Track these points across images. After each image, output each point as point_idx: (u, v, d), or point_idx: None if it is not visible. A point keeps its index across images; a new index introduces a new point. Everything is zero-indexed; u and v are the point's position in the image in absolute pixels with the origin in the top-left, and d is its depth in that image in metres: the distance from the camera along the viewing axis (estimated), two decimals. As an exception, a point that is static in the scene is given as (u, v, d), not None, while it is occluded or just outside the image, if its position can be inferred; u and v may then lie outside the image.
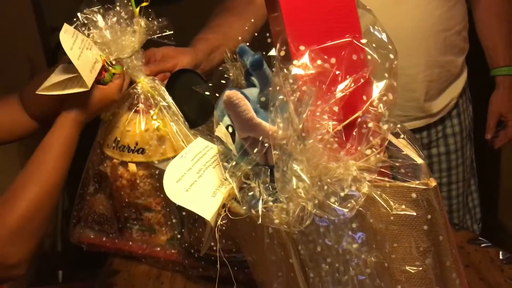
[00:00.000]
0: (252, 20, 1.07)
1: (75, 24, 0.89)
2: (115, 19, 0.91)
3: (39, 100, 0.87)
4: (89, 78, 0.81)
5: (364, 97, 0.59)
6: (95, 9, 0.90)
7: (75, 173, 1.26)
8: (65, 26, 0.85)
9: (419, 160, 0.59)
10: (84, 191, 1.07)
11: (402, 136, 0.63)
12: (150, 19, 0.92)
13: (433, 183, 0.57)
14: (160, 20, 0.92)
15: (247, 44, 0.73)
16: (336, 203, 0.57)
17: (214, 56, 1.09)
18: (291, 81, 0.59)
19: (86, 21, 0.90)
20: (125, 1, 0.91)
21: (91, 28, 0.91)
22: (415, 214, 0.58)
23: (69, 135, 0.83)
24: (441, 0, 1.14)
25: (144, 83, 0.99)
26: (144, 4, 0.89)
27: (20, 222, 0.76)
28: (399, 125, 0.62)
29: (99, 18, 0.91)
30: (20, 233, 0.76)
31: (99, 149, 1.04)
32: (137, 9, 0.91)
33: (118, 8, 0.91)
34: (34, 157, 0.81)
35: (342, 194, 0.57)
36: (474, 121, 1.34)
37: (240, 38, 0.99)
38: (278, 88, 0.58)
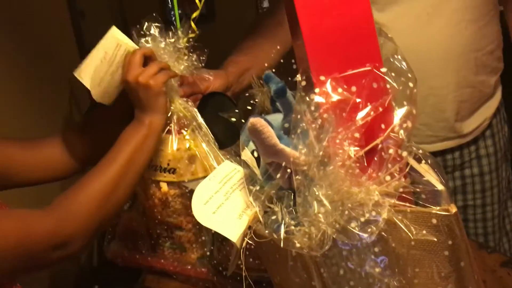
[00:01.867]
0: (281, 43, 1.09)
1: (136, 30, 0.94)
2: (169, 40, 0.95)
3: (85, 142, 0.94)
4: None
5: (384, 125, 0.60)
6: (158, 24, 0.95)
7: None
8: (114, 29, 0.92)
9: (440, 186, 0.60)
10: (120, 210, 1.12)
11: (424, 161, 0.64)
12: (195, 53, 0.97)
13: (453, 209, 0.58)
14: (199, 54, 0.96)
15: (273, 70, 0.76)
16: (357, 228, 0.58)
17: (244, 78, 1.12)
18: (312, 108, 0.61)
19: (146, 32, 0.95)
20: (182, 32, 0.95)
21: (148, 39, 0.95)
22: (435, 239, 0.59)
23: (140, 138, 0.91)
24: (471, 21, 1.13)
25: (177, 104, 1.03)
26: (192, 35, 0.94)
27: (96, 201, 0.83)
28: (421, 151, 0.63)
29: (157, 33, 0.95)
30: (95, 212, 0.82)
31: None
32: (185, 40, 0.95)
33: (179, 33, 0.96)
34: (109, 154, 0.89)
35: (362, 219, 0.58)
36: (511, 141, 1.32)
37: (269, 61, 1.02)
38: (299, 115, 0.60)
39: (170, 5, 2.23)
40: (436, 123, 1.18)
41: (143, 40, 0.95)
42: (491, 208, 1.28)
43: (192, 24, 0.94)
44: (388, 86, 0.61)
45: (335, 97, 0.61)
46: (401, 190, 0.61)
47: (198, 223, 1.05)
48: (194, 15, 0.94)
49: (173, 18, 0.98)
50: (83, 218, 0.82)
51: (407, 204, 0.61)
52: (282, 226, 0.60)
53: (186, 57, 0.96)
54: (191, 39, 0.95)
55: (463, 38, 1.13)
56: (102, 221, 0.86)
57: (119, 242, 1.14)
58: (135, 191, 1.09)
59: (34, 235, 0.76)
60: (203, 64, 0.98)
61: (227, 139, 0.98)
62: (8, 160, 0.99)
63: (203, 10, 0.97)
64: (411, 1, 1.10)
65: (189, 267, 1.08)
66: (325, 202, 0.59)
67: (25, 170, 1.00)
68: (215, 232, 1.02)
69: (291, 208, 0.64)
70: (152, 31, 0.95)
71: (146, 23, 0.95)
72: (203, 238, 1.06)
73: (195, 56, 0.98)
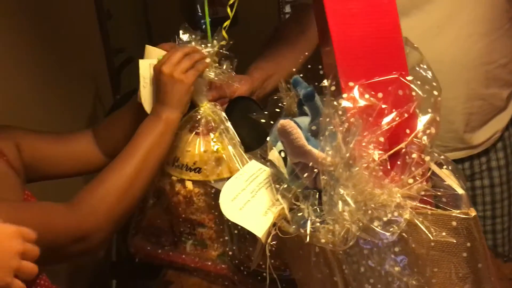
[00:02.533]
0: (303, 51, 1.13)
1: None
2: (201, 48, 0.99)
3: (114, 137, 0.97)
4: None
5: (408, 130, 0.63)
6: (194, 36, 1.00)
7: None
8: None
9: (460, 191, 0.63)
10: (144, 204, 1.15)
11: (445, 166, 0.67)
12: (225, 62, 1.00)
13: (473, 212, 0.61)
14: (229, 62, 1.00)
15: (300, 75, 0.80)
16: (379, 227, 0.61)
17: (267, 84, 1.16)
18: (340, 112, 0.64)
19: (180, 40, 1.00)
20: (214, 40, 0.99)
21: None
22: (455, 241, 0.61)
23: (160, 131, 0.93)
24: (483, 34, 1.13)
25: (206, 108, 1.07)
26: (223, 42, 0.97)
27: (116, 195, 0.85)
28: (442, 156, 0.66)
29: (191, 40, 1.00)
30: (115, 206, 0.85)
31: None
32: (216, 49, 0.98)
33: (211, 42, 1.00)
34: (129, 146, 0.92)
35: (385, 218, 0.61)
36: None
37: (291, 68, 1.06)
38: (328, 119, 0.63)
39: (199, 13, 2.27)
40: (445, 134, 1.18)
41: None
42: (501, 220, 1.28)
43: (224, 33, 0.97)
44: (413, 93, 0.64)
45: (362, 103, 0.64)
46: (422, 193, 0.64)
47: (220, 222, 1.10)
48: (226, 24, 0.97)
49: (204, 27, 1.01)
50: (103, 213, 0.85)
51: (428, 207, 0.63)
52: (309, 223, 0.63)
53: (216, 64, 1.00)
54: (222, 47, 0.98)
55: (474, 51, 1.13)
56: (121, 215, 0.88)
57: (142, 237, 1.18)
58: (161, 188, 1.13)
59: (56, 228, 0.79)
60: (234, 73, 1.01)
61: (253, 142, 1.02)
62: (40, 153, 1.03)
63: (224, 13, 1.01)
64: (422, 13, 1.11)
65: (209, 263, 1.11)
66: (350, 201, 0.62)
67: (56, 163, 1.04)
68: (237, 231, 1.07)
69: (315, 207, 0.68)
70: (186, 39, 0.99)
71: (181, 31, 0.99)
72: (225, 238, 1.09)
73: (225, 64, 1.01)
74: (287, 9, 2.47)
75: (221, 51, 0.99)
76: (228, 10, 0.96)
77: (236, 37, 1.03)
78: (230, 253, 1.07)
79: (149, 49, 0.98)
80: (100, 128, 1.09)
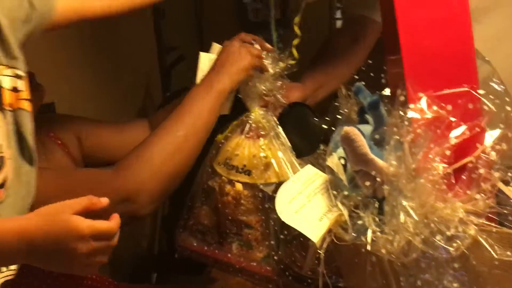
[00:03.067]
0: (355, 62, 1.13)
1: None
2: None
3: None
4: None
5: (477, 145, 0.62)
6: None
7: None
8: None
9: (528, 210, 0.61)
10: (193, 201, 1.17)
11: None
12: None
13: (541, 233, 0.59)
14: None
15: (363, 82, 0.79)
16: (442, 241, 0.60)
17: (319, 93, 1.17)
18: (406, 123, 0.64)
19: None
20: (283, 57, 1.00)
21: None
22: (520, 261, 0.60)
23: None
24: None
25: (257, 114, 1.08)
26: (292, 62, 0.98)
27: (161, 157, 0.86)
28: (510, 173, 0.64)
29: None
30: (159, 168, 0.86)
31: (210, 167, 1.14)
32: (284, 66, 0.99)
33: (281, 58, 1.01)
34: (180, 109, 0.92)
35: (448, 233, 0.60)
36: None
37: (343, 78, 1.06)
38: (394, 128, 0.63)
39: (250, 18, 2.28)
40: None
41: None
42: None
43: (294, 51, 0.98)
44: (484, 107, 0.62)
45: (430, 114, 0.63)
46: (487, 210, 0.62)
47: (266, 224, 1.11)
48: (296, 42, 0.98)
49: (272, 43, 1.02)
50: (145, 172, 0.85)
51: (493, 224, 0.62)
52: (369, 232, 0.62)
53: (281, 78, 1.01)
54: (289, 65, 0.99)
55: None
56: (167, 179, 0.89)
57: (189, 233, 1.19)
58: (210, 187, 1.14)
59: (102, 190, 0.79)
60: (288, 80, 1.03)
61: (306, 149, 1.02)
62: (99, 141, 1.07)
63: (278, 15, 1.01)
64: (480, 25, 1.09)
65: (254, 264, 1.12)
66: (412, 213, 0.61)
67: (113, 150, 1.07)
68: (282, 236, 1.07)
69: (374, 216, 0.67)
70: None
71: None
72: (272, 242, 1.09)
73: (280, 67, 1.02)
74: (338, 14, 2.46)
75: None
76: (296, 28, 0.97)
77: (286, 42, 1.04)
78: (276, 257, 1.08)
79: (215, 46, 1.00)
80: (156, 117, 1.12)
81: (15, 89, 0.70)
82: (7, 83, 0.68)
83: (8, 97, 0.68)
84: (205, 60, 0.99)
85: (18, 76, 0.71)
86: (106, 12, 0.90)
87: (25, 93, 0.72)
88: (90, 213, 0.58)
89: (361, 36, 1.19)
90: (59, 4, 0.81)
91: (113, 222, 0.59)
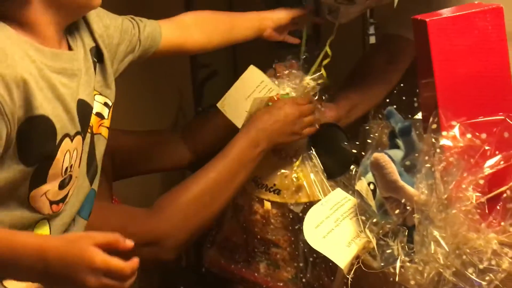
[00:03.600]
0: (389, 82, 1.12)
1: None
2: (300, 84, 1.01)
3: (203, 136, 1.01)
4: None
5: (513, 175, 0.60)
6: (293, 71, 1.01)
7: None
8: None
9: None
10: (222, 219, 1.18)
11: (549, 216, 0.63)
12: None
13: None
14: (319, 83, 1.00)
15: (394, 106, 0.78)
16: (474, 274, 0.58)
17: (352, 113, 1.16)
18: (438, 150, 0.63)
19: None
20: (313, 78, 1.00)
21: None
22: (556, 298, 0.57)
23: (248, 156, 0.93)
24: None
25: None
26: (321, 81, 0.98)
27: (196, 207, 0.86)
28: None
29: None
30: (192, 217, 0.86)
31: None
32: (314, 86, 0.99)
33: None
34: (214, 164, 0.92)
35: (480, 266, 0.59)
36: None
37: (377, 99, 1.05)
38: (426, 156, 0.62)
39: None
40: None
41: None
42: None
43: (323, 72, 0.98)
44: (521, 137, 0.61)
45: (462, 142, 0.62)
46: (523, 242, 0.60)
47: (294, 244, 1.10)
48: (326, 62, 0.98)
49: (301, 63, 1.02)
50: (178, 221, 0.86)
51: (528, 258, 0.60)
52: (398, 261, 0.61)
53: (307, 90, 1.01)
54: (318, 85, 0.99)
55: None
56: (197, 227, 0.89)
57: (217, 250, 1.20)
58: (239, 204, 1.15)
59: (132, 229, 0.80)
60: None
61: (337, 170, 1.01)
62: (130, 150, 1.08)
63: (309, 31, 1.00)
64: None
65: (281, 284, 1.11)
66: (443, 243, 0.60)
67: (146, 159, 1.09)
68: (311, 259, 1.06)
69: (403, 244, 0.66)
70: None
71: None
72: (300, 264, 1.08)
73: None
74: (371, 30, 2.44)
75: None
76: (327, 48, 0.97)
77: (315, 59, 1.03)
78: (304, 279, 1.07)
79: (253, 69, 0.99)
80: (191, 125, 1.14)
81: (100, 115, 0.74)
82: (96, 108, 0.72)
83: (93, 122, 0.72)
84: (253, 75, 0.99)
85: (106, 105, 0.75)
86: (204, 48, 0.95)
87: (107, 121, 0.76)
88: (112, 251, 0.57)
89: (397, 56, 1.18)
90: (164, 39, 0.85)
91: (130, 264, 0.56)
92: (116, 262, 0.56)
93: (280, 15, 1.01)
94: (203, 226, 0.93)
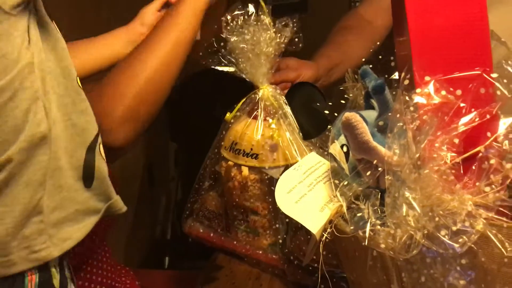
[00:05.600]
0: (370, 41, 1.08)
1: None
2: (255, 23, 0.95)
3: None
4: None
5: (489, 133, 0.57)
6: (239, 12, 0.95)
7: (191, 167, 1.35)
8: None
9: (543, 204, 0.56)
10: (200, 186, 1.15)
11: (526, 175, 0.60)
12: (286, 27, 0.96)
13: (556, 230, 0.54)
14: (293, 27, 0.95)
15: (370, 65, 0.75)
16: (446, 236, 0.56)
17: (333, 73, 1.12)
18: (412, 109, 0.59)
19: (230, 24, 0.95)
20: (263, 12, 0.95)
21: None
22: (532, 260, 0.55)
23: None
24: None
25: (266, 91, 1.03)
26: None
27: (119, 75, 0.79)
28: (524, 164, 0.59)
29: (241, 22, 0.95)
30: (116, 87, 0.79)
31: (217, 148, 1.11)
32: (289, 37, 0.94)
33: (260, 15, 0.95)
34: (156, 30, 0.85)
35: (454, 228, 0.56)
36: None
37: (358, 58, 1.01)
38: (398, 114, 0.58)
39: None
40: None
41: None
42: None
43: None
44: (497, 92, 0.57)
45: (437, 99, 0.58)
46: (498, 203, 0.58)
47: (274, 211, 1.08)
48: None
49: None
50: (109, 95, 0.79)
51: (504, 219, 0.57)
52: (368, 224, 0.59)
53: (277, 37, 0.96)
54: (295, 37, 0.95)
55: None
56: (133, 98, 0.80)
57: (196, 218, 1.18)
58: (217, 171, 1.12)
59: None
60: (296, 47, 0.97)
61: (313, 130, 0.98)
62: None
63: None
64: (508, 7, 1.02)
65: (260, 252, 1.09)
66: (415, 205, 0.57)
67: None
68: (289, 221, 1.04)
69: (376, 208, 0.63)
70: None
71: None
72: (277, 225, 1.07)
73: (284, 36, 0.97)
74: (359, -4, 2.39)
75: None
76: None
77: (304, 24, 0.99)
78: (281, 241, 1.05)
79: None
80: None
81: None
82: None
83: None
84: None
85: None
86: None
87: None
88: None
89: (377, 14, 1.14)
90: None
91: None
92: None
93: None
94: (142, 96, 0.82)
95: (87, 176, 0.65)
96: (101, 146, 0.68)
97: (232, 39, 0.95)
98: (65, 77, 0.63)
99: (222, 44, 1.01)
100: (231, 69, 1.02)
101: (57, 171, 0.61)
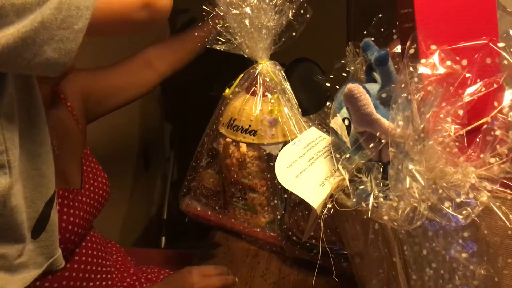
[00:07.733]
0: None
1: None
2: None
3: (171, 57, 1.03)
4: None
5: (495, 103, 0.56)
6: None
7: (187, 147, 1.33)
8: None
9: (548, 176, 0.55)
10: (197, 164, 1.14)
11: (531, 148, 0.59)
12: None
13: (561, 201, 0.53)
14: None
15: (372, 38, 0.73)
16: (450, 208, 0.55)
17: None
18: (416, 79, 0.58)
19: None
20: None
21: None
22: (536, 231, 0.55)
23: None
24: None
25: (265, 65, 1.02)
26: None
27: None
28: (529, 136, 0.58)
29: None
30: None
31: (215, 125, 1.10)
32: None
33: None
34: None
35: (457, 200, 0.55)
36: None
37: None
38: (403, 85, 0.57)
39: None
40: None
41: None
42: None
43: None
44: (504, 62, 0.56)
45: (442, 70, 0.57)
46: (502, 175, 0.57)
47: (272, 188, 1.07)
48: None
49: None
50: None
51: (508, 191, 0.57)
52: (371, 197, 0.58)
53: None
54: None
55: None
56: None
57: (193, 196, 1.17)
58: (215, 148, 1.11)
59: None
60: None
61: (312, 106, 0.97)
62: (104, 85, 1.07)
63: None
64: None
65: (258, 229, 1.09)
66: (419, 177, 0.56)
67: (115, 93, 1.09)
68: (287, 198, 1.04)
69: (378, 181, 0.62)
70: None
71: None
72: (275, 202, 1.06)
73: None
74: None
75: None
76: None
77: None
78: (279, 217, 1.05)
79: None
80: (157, 48, 1.13)
81: None
82: None
83: None
84: None
85: None
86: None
87: None
88: None
89: None
90: None
91: None
92: None
93: None
94: None
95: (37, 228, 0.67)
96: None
97: (232, 12, 0.93)
98: None
99: (217, 21, 1.00)
100: (227, 47, 1.01)
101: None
